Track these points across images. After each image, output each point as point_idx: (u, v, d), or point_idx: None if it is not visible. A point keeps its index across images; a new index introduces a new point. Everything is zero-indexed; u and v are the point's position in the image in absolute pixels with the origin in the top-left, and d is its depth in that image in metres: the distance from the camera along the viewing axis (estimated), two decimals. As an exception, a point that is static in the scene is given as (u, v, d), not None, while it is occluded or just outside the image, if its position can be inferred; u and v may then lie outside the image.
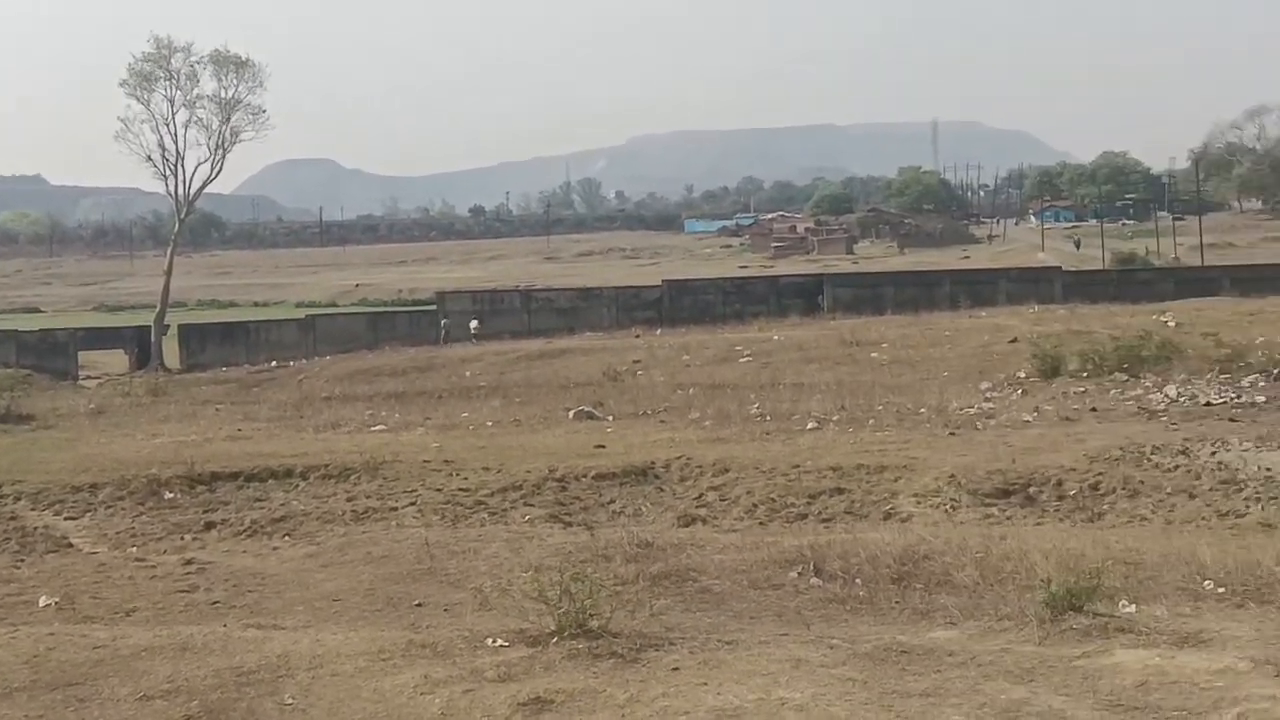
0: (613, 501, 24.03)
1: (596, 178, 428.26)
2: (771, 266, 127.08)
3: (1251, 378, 36.81)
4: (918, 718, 9.80)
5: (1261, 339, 41.06)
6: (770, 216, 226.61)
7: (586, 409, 36.49)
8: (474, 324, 72.22)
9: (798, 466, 25.20)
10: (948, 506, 22.46)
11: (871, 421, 31.94)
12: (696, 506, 23.47)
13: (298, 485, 26.10)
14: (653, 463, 26.12)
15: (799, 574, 15.61)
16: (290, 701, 10.77)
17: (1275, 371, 37.22)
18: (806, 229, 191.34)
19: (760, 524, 21.90)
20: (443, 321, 74.28)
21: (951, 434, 29.28)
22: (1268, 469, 24.70)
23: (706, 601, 14.52)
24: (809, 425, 31.46)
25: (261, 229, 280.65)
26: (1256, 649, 11.20)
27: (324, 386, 51.69)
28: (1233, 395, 34.83)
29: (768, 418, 33.18)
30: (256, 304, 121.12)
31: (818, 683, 10.63)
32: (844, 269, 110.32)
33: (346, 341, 71.68)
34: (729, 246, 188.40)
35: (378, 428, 35.66)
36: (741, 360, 48.55)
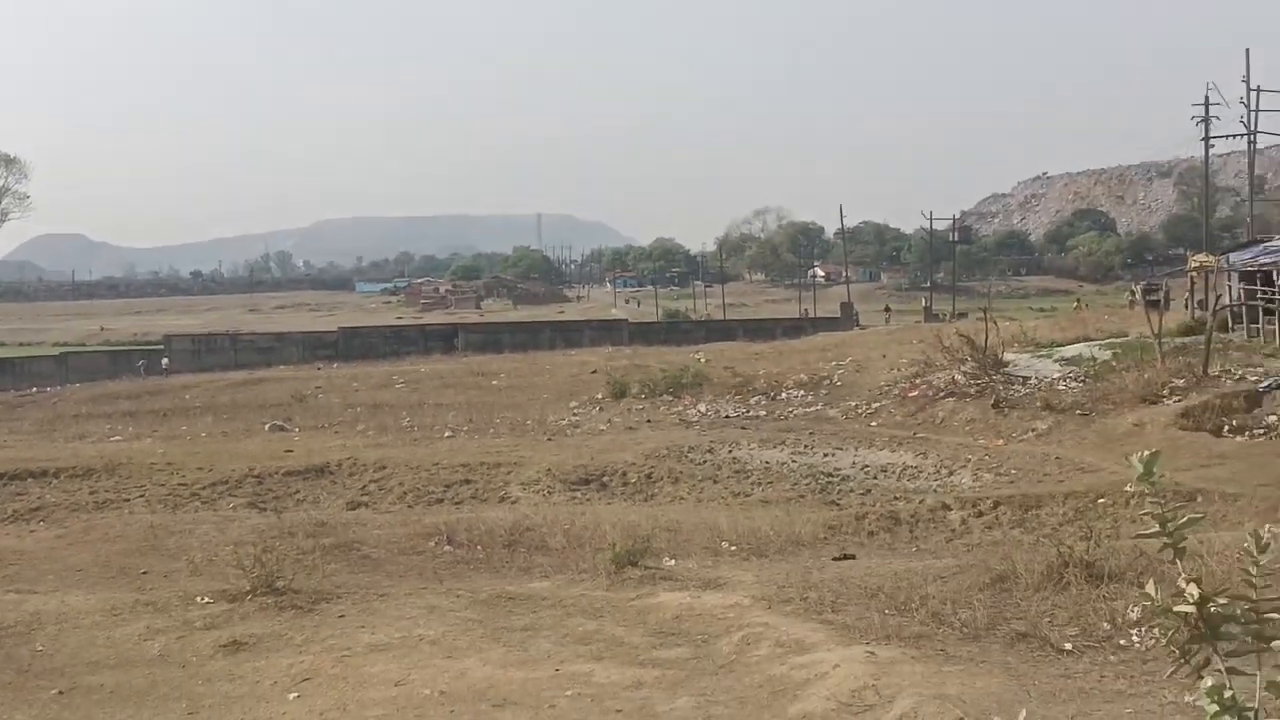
0: (298, 492, 23.38)
1: (289, 251, 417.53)
2: (420, 318, 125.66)
3: (756, 398, 38.02)
4: (519, 645, 9.87)
5: (764, 371, 42.45)
6: (420, 281, 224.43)
7: (278, 423, 35.47)
8: (164, 362, 69.85)
9: (437, 464, 24.99)
10: (545, 492, 22.56)
11: (492, 430, 31.92)
12: (361, 495, 23.05)
13: (51, 482, 24.60)
14: (329, 462, 25.55)
15: (436, 543, 15.51)
16: (41, 648, 10.37)
17: (771, 393, 38.54)
18: (447, 290, 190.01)
19: (409, 506, 21.65)
20: (139, 362, 71.00)
21: (549, 439, 29.46)
22: (766, 462, 25.62)
23: (366, 565, 14.29)
24: (446, 434, 31.26)
25: (27, 287, 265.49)
26: (756, 589, 11.59)
27: (74, 407, 48.78)
28: (743, 410, 35.96)
29: (415, 429, 32.81)
30: (21, 344, 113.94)
31: (447, 623, 10.60)
32: (474, 320, 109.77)
33: (93, 373, 67.93)
34: (389, 302, 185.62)
35: (115, 438, 33.95)
36: (397, 386, 47.82)
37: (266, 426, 35.04)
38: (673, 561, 13.46)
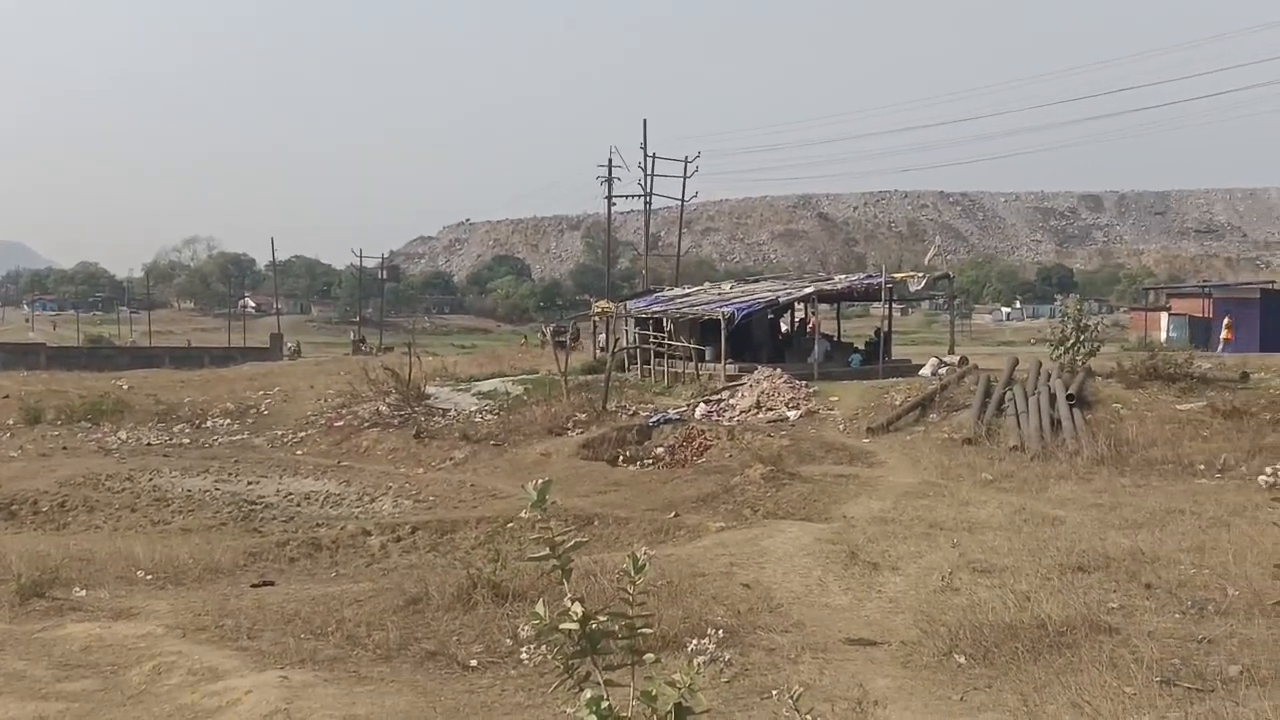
0: None
1: None
2: None
3: (180, 426, 36.48)
4: (-97, 688, 8.84)
5: (189, 399, 40.72)
6: None
7: None
8: None
9: None
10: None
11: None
12: None
13: None
14: None
15: None
16: None
17: (197, 422, 37.10)
18: None
19: None
20: None
21: (-50, 467, 26.77)
22: (189, 490, 24.59)
23: None
24: None
25: None
26: (171, 618, 11.05)
27: None
28: (167, 438, 34.42)
29: None
30: None
31: None
32: None
33: None
34: None
35: None
36: None
37: None
38: (84, 592, 12.54)
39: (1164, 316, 55.29)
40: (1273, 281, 65.51)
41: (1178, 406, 26.05)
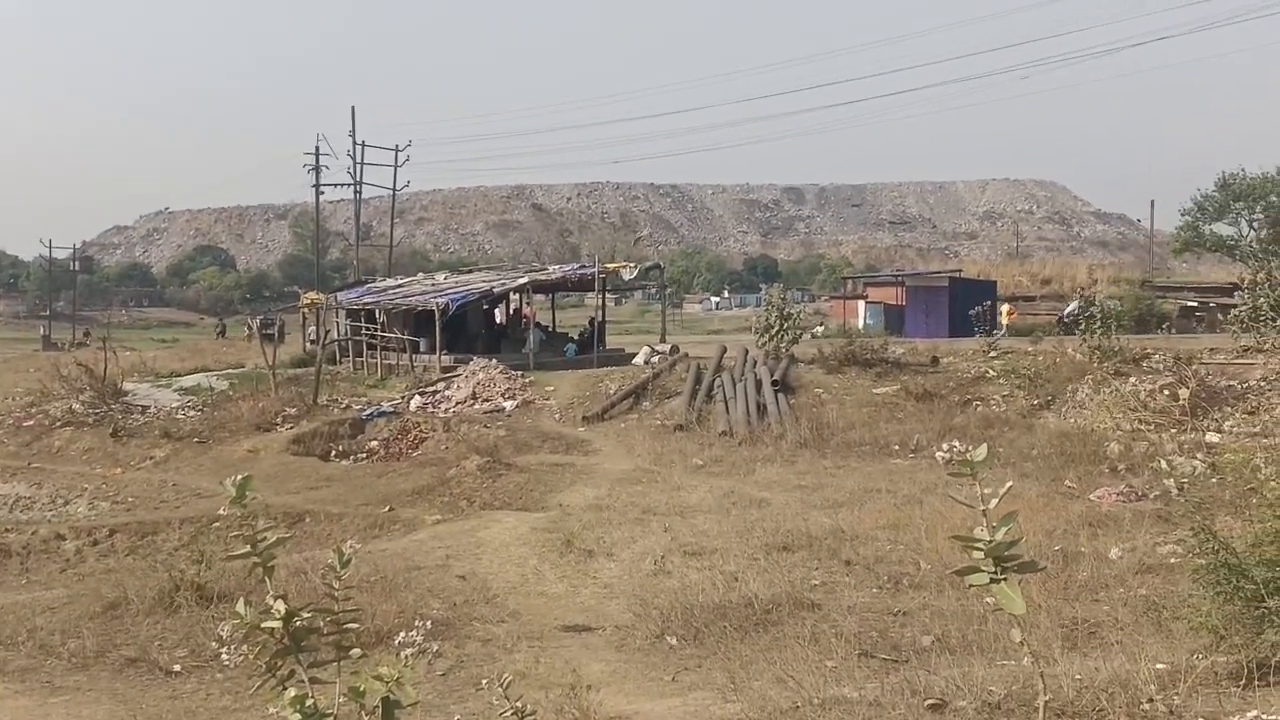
0: None
1: None
2: None
3: None
4: None
5: None
6: None
7: None
8: None
9: None
10: None
11: None
12: None
13: None
14: None
15: None
16: None
17: None
18: None
19: None
20: None
21: None
22: None
23: None
24: None
25: None
26: None
27: None
28: None
29: None
30: None
31: None
32: None
33: None
34: None
35: None
36: None
37: None
38: None
39: (861, 304, 57.77)
40: (960, 270, 69.36)
41: (874, 390, 27.35)
